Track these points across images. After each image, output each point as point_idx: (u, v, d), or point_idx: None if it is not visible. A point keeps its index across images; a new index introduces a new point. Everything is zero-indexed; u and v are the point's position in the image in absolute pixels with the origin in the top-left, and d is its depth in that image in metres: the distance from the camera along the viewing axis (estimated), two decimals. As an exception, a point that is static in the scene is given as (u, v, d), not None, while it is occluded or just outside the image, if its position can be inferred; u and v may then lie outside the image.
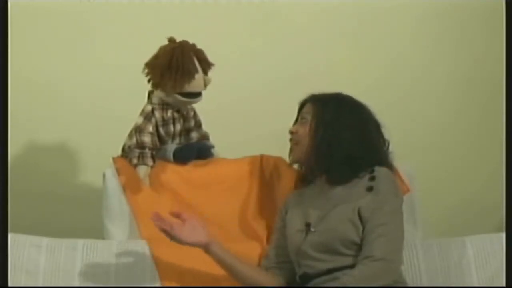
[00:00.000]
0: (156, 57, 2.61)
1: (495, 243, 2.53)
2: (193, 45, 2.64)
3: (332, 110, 2.41)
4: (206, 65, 2.64)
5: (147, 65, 2.62)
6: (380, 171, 2.35)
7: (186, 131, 2.75)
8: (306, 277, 2.34)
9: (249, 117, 3.21)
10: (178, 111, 2.69)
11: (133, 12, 3.23)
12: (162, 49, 2.62)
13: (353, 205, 2.31)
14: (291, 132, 2.47)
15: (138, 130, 2.64)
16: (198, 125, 2.78)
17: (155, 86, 2.64)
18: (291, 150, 2.48)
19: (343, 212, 2.32)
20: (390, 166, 2.42)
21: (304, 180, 2.52)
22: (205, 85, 2.62)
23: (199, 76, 2.60)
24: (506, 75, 2.63)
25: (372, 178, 2.34)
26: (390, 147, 2.45)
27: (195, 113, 2.76)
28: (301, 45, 3.28)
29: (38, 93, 3.19)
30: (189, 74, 2.57)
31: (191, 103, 2.68)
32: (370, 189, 2.32)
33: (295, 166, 2.56)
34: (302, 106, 2.50)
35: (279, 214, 2.52)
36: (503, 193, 2.48)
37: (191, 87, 2.60)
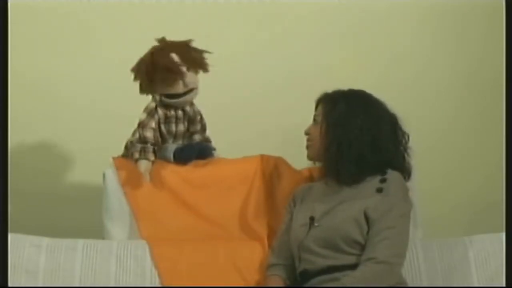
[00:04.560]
0: (138, 63, 2.64)
1: (495, 243, 2.53)
2: (180, 44, 2.64)
3: (341, 111, 2.42)
4: (191, 63, 2.62)
5: (132, 70, 2.64)
6: (392, 174, 2.37)
7: (190, 134, 2.75)
8: (306, 274, 2.35)
9: (249, 117, 3.21)
10: (183, 110, 2.69)
11: (133, 12, 3.23)
12: (145, 54, 2.64)
13: (360, 204, 2.31)
14: (306, 133, 2.51)
15: (141, 125, 2.65)
16: (203, 129, 2.78)
17: (141, 90, 2.66)
18: (306, 148, 2.52)
19: (348, 210, 2.33)
20: (403, 167, 2.42)
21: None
22: (185, 85, 2.60)
23: (176, 78, 2.59)
24: (506, 75, 2.63)
25: (383, 180, 2.35)
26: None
27: (201, 117, 2.76)
28: (301, 44, 3.28)
29: (38, 93, 3.18)
30: (162, 80, 2.59)
31: (177, 103, 2.66)
32: (379, 190, 2.33)
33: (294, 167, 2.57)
34: (316, 105, 2.51)
35: (287, 207, 2.54)
36: (503, 193, 2.48)
37: (169, 90, 2.62)
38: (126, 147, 2.71)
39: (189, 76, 2.61)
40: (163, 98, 2.64)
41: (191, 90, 2.63)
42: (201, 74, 2.66)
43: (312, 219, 2.38)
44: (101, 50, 3.18)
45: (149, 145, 2.62)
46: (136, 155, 2.61)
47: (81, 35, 3.20)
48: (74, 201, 3.12)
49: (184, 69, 2.60)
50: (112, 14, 3.22)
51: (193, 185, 2.67)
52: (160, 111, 2.66)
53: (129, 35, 3.16)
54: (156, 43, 2.65)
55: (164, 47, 2.63)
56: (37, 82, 3.19)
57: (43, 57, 3.19)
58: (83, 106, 3.20)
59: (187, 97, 2.64)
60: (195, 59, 2.64)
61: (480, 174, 3.30)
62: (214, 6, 3.24)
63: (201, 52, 2.65)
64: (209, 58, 2.66)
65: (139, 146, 2.62)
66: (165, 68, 2.59)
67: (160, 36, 2.65)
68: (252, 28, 3.27)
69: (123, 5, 3.22)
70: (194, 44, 2.67)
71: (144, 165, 2.60)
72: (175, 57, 2.61)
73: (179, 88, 2.62)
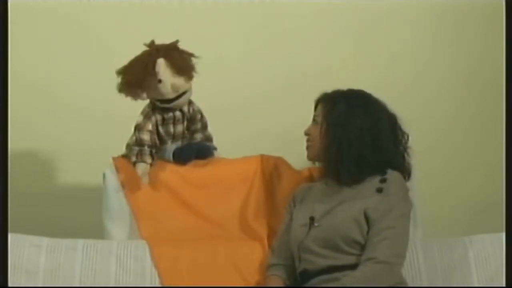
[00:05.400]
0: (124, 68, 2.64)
1: (495, 243, 2.53)
2: (168, 47, 2.62)
3: (341, 111, 2.42)
4: (177, 69, 2.59)
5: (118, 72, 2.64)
6: (392, 174, 2.37)
7: (191, 133, 2.75)
8: (306, 274, 2.35)
9: (249, 117, 3.21)
10: (181, 111, 2.69)
11: (133, 12, 3.23)
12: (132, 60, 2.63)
13: (360, 204, 2.31)
14: (306, 133, 2.50)
15: (137, 128, 2.66)
16: (204, 127, 2.78)
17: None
18: (306, 149, 2.52)
19: (348, 210, 2.33)
20: (403, 167, 2.43)
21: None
22: (175, 90, 2.59)
23: (163, 84, 2.58)
24: (506, 75, 2.63)
25: (383, 180, 2.35)
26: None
27: (202, 115, 2.76)
28: (301, 44, 3.28)
29: (38, 93, 3.18)
30: (142, 87, 2.58)
31: (171, 107, 2.65)
32: (379, 190, 2.33)
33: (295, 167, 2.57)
34: (315, 106, 2.51)
35: (287, 207, 2.54)
36: (503, 193, 2.48)
37: (157, 95, 2.61)
38: (127, 147, 2.71)
39: (178, 81, 2.59)
40: (157, 103, 2.64)
41: (183, 93, 2.62)
42: (200, 74, 2.66)
43: (312, 219, 2.39)
44: (101, 50, 3.18)
45: (146, 147, 2.62)
46: (133, 159, 2.62)
47: (81, 35, 3.20)
48: (74, 201, 3.12)
49: (165, 75, 2.58)
50: (112, 14, 3.22)
51: (193, 185, 2.68)
52: (158, 113, 2.66)
53: (129, 35, 3.15)
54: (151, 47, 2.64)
55: (151, 52, 2.62)
56: (37, 82, 3.19)
57: (43, 57, 3.19)
58: (83, 106, 3.19)
59: (179, 101, 2.63)
60: (180, 65, 2.60)
61: (480, 174, 3.30)
62: (214, 6, 3.24)
63: (188, 55, 2.63)
64: (209, 59, 2.66)
65: (136, 149, 2.63)
66: (146, 77, 2.58)
67: (160, 37, 2.65)
68: (252, 28, 3.27)
69: (123, 5, 3.22)
70: (194, 45, 2.66)
71: (141, 168, 2.60)
72: (161, 62, 2.59)
73: (166, 93, 2.60)
